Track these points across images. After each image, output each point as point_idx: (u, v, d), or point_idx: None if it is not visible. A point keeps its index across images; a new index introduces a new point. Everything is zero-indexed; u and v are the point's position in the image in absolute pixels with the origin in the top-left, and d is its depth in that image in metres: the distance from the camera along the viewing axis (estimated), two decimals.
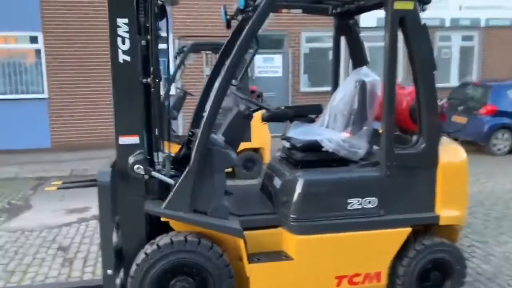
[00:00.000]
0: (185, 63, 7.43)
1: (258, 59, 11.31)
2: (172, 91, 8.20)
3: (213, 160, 2.83)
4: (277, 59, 11.12)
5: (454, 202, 3.13)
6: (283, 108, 3.75)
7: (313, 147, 3.15)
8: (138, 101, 2.81)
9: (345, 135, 3.17)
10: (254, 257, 2.95)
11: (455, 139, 9.50)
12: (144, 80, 2.84)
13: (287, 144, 3.38)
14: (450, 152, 3.18)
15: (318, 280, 3.00)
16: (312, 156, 3.18)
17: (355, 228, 2.99)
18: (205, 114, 2.79)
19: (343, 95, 3.27)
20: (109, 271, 2.72)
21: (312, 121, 3.66)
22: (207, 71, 10.63)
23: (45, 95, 9.91)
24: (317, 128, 3.40)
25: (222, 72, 2.85)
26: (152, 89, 2.85)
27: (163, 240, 2.75)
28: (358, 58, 3.67)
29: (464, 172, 3.17)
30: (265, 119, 3.61)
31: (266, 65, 11.09)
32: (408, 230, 3.06)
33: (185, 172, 2.79)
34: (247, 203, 3.28)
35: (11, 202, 6.15)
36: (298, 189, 2.95)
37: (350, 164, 3.15)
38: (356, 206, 3.00)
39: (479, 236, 4.60)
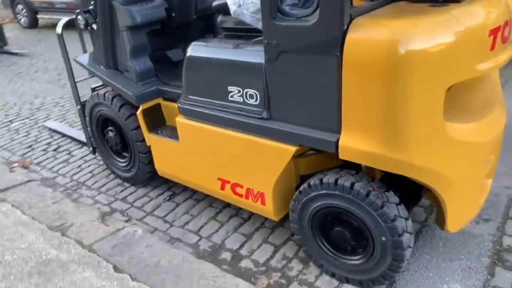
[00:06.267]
0: None
1: None
2: None
3: (115, 17, 2.65)
4: None
5: (376, 123, 1.70)
6: None
7: (225, 8, 2.29)
8: None
9: None
10: (158, 129, 2.76)
11: None
12: None
13: None
14: (379, 32, 1.61)
15: (202, 175, 2.51)
16: (228, 22, 2.36)
17: (234, 126, 2.19)
18: None
19: None
20: (78, 107, 3.25)
21: None
22: None
23: None
24: None
25: None
26: None
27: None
28: None
29: (404, 70, 1.57)
30: None
31: None
32: (291, 150, 1.99)
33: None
34: None
35: None
36: (185, 61, 2.37)
37: None
38: (236, 98, 2.15)
39: None
